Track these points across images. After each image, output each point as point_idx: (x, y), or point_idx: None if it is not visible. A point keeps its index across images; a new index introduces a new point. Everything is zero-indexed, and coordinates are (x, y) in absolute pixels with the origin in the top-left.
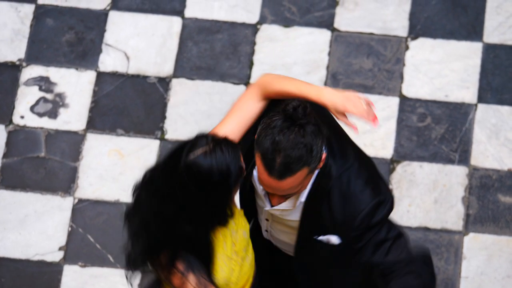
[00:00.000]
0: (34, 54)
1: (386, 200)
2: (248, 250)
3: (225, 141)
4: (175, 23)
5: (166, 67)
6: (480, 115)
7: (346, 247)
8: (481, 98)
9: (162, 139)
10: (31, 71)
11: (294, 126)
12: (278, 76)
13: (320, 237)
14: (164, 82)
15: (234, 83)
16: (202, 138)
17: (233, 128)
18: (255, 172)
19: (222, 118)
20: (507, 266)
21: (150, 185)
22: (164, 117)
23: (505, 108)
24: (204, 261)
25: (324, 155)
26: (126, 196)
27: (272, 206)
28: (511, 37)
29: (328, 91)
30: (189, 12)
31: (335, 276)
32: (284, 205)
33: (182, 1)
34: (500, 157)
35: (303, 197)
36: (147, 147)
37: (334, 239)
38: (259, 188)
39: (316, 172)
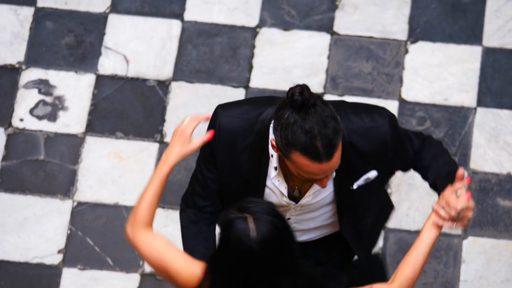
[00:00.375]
0: (34, 57)
1: (389, 113)
2: None
3: (249, 203)
4: (175, 26)
5: (165, 70)
6: (480, 119)
7: (386, 172)
8: (481, 102)
9: (161, 142)
10: (30, 74)
11: (309, 108)
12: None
13: (359, 182)
14: (163, 85)
15: (234, 87)
16: (237, 219)
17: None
18: (270, 182)
19: None
20: (506, 270)
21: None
22: (163, 120)
23: (504, 112)
24: None
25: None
26: (125, 199)
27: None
28: (510, 40)
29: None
30: (188, 15)
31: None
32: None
33: (182, 4)
34: (499, 161)
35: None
36: (146, 150)
37: (372, 174)
38: (281, 189)
39: None
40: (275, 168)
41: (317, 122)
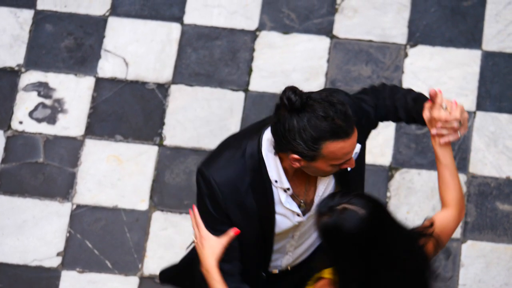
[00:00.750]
0: (33, 60)
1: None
2: None
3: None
4: (174, 29)
5: (165, 73)
6: (479, 123)
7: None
8: (480, 106)
9: (160, 145)
10: (30, 77)
11: (309, 101)
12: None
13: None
14: (163, 88)
15: (233, 90)
16: (337, 215)
17: None
18: (281, 207)
19: (220, 124)
20: (505, 274)
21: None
22: (162, 123)
23: (503, 116)
24: None
25: None
26: (124, 202)
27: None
28: (510, 45)
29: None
30: (188, 19)
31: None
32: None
33: (181, 8)
34: (498, 164)
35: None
36: (145, 153)
37: (357, 148)
38: (293, 208)
39: None
40: (287, 190)
41: (324, 106)
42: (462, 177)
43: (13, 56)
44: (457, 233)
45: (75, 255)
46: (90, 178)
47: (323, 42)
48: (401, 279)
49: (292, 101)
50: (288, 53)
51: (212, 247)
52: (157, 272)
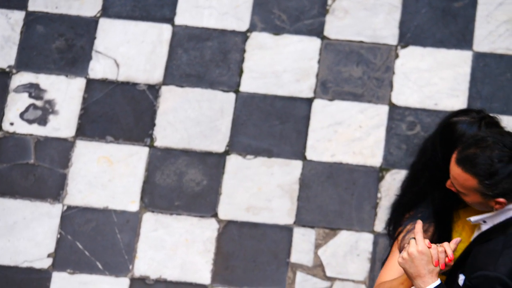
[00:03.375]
0: (24, 61)
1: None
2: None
3: (495, 129)
4: (165, 30)
5: (155, 74)
6: None
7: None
8: (471, 107)
9: (151, 146)
10: (21, 78)
11: (509, 150)
12: None
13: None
14: (153, 89)
15: (224, 91)
16: (476, 112)
17: None
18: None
19: (211, 125)
20: None
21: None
22: (153, 124)
23: None
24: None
25: (502, 201)
26: (115, 203)
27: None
28: (501, 45)
29: None
30: (179, 20)
31: None
32: (473, 218)
33: (172, 9)
34: None
35: (474, 219)
36: (136, 154)
37: (461, 278)
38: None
39: (499, 218)
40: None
41: (488, 151)
42: None
43: (4, 58)
44: None
45: (66, 256)
46: (81, 179)
47: (314, 43)
48: None
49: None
50: (279, 54)
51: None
52: (148, 273)
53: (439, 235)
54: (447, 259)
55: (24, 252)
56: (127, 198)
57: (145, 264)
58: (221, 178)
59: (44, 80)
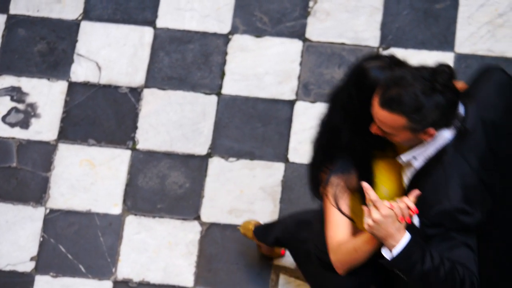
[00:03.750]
0: (6, 64)
1: (470, 214)
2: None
3: (404, 67)
4: (147, 33)
5: (137, 77)
6: None
7: (422, 232)
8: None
9: (133, 149)
10: (2, 82)
11: (429, 82)
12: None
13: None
14: (135, 92)
15: (206, 93)
16: (385, 57)
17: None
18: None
19: (193, 128)
20: None
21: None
22: (135, 127)
23: None
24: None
25: (431, 131)
26: (97, 206)
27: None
28: (482, 47)
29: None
30: (160, 22)
31: None
32: (403, 157)
33: (154, 11)
34: None
35: (405, 157)
36: (118, 157)
37: (416, 219)
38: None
39: (431, 149)
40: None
41: (411, 87)
42: None
43: None
44: None
45: (49, 260)
46: (63, 183)
47: (296, 45)
48: None
49: (436, 74)
50: (261, 57)
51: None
52: (131, 276)
53: (366, 179)
54: (411, 212)
55: (7, 255)
56: (109, 201)
57: (128, 267)
58: (204, 180)
59: (26, 83)
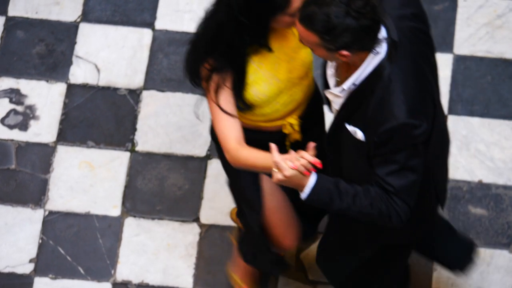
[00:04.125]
0: (5, 66)
1: (418, 126)
2: (305, 80)
3: None
4: (146, 35)
5: (136, 79)
6: (451, 127)
7: (368, 148)
8: (452, 110)
9: (132, 151)
10: (1, 84)
11: (345, 6)
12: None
13: (349, 126)
14: (134, 94)
15: (205, 95)
16: None
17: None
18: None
19: (192, 129)
20: (477, 278)
21: None
22: (134, 129)
23: (475, 120)
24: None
25: (345, 53)
26: (96, 208)
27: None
28: (481, 48)
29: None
30: (159, 24)
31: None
32: (335, 90)
33: (153, 13)
34: (471, 168)
35: (346, 85)
36: (117, 159)
37: (359, 134)
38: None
39: (368, 69)
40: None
41: (325, 6)
42: None
43: None
44: None
45: (48, 262)
46: (62, 185)
47: None
48: None
49: None
50: None
51: None
52: (130, 278)
53: (238, 79)
54: (316, 164)
55: (6, 257)
56: (108, 203)
57: (127, 268)
58: (203, 182)
59: (25, 85)
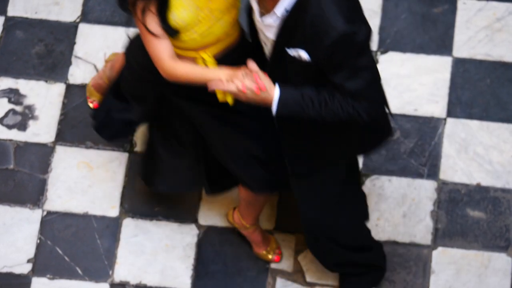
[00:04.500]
0: (4, 66)
1: (357, 32)
2: (226, 16)
3: None
4: None
5: None
6: (449, 129)
7: (315, 67)
8: (450, 112)
9: (131, 151)
10: (0, 83)
11: None
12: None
13: (291, 51)
14: None
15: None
16: None
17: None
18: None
19: None
20: (476, 280)
21: None
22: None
23: (474, 122)
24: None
25: None
26: (95, 209)
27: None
28: (480, 51)
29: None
30: None
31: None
32: (268, 19)
33: None
34: (469, 171)
35: (279, 11)
36: (116, 159)
37: (304, 55)
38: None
39: None
40: None
41: None
42: (433, 184)
43: None
44: (428, 240)
45: (46, 262)
46: (61, 185)
47: None
48: None
49: None
50: None
51: None
52: (128, 279)
53: (160, 3)
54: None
55: (4, 257)
56: (107, 204)
57: (125, 269)
58: None
59: (24, 85)
